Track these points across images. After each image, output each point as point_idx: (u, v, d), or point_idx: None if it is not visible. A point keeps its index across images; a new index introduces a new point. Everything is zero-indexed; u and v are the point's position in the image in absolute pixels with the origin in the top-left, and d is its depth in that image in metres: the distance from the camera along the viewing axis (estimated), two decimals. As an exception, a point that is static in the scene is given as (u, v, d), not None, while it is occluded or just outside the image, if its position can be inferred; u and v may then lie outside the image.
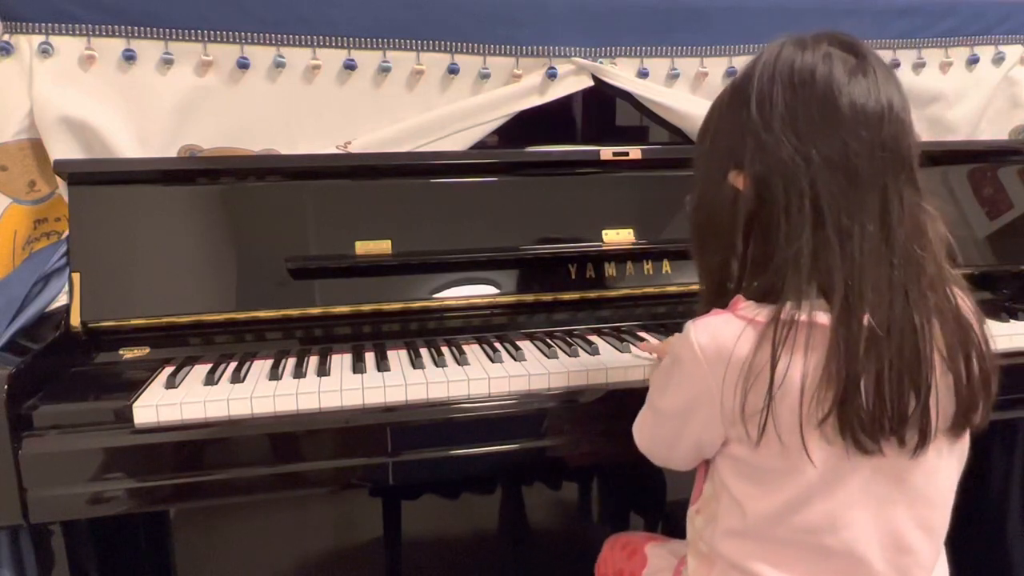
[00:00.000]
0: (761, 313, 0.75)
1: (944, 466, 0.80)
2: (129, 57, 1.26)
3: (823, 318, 0.73)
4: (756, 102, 0.76)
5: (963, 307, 0.78)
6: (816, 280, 0.73)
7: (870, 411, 0.72)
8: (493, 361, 1.14)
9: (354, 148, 1.38)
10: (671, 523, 1.64)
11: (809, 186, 0.73)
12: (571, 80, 1.44)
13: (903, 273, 0.73)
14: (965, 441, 0.81)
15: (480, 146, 1.43)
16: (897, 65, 1.59)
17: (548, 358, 1.15)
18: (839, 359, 0.71)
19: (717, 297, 0.84)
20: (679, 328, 0.85)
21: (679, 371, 0.81)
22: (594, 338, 1.23)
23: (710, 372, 0.77)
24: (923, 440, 0.74)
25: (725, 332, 0.76)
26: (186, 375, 1.09)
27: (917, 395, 0.73)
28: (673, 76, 1.49)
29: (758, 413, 0.74)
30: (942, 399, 0.75)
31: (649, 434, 0.91)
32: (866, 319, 0.71)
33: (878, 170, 0.73)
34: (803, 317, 0.72)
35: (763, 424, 0.74)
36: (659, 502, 1.65)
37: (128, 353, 1.19)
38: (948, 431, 0.78)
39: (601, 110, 1.56)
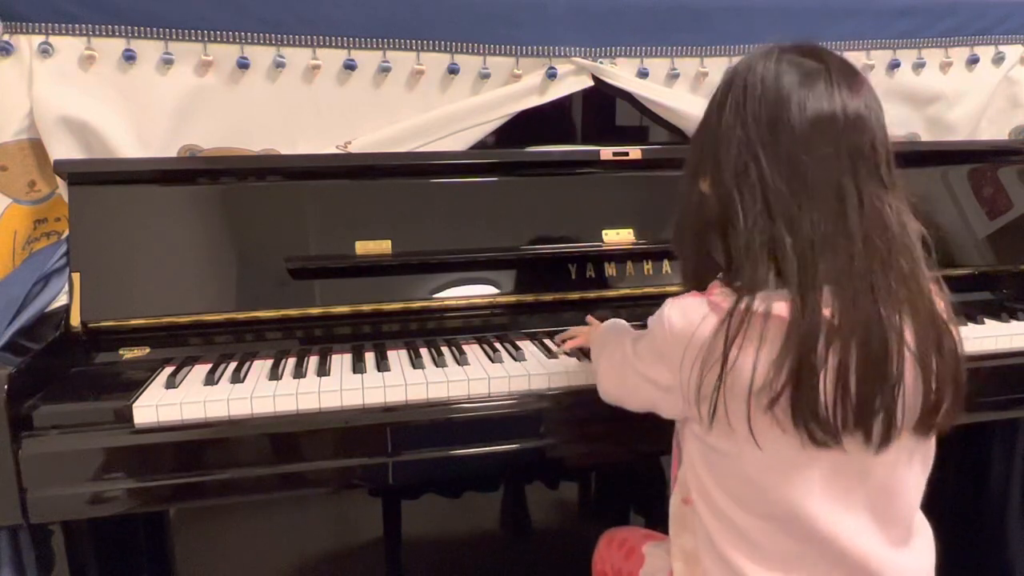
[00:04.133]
0: (727, 300, 0.77)
1: (908, 464, 0.81)
2: (129, 57, 1.26)
3: (782, 310, 0.74)
4: (716, 107, 0.82)
5: (939, 306, 0.78)
6: (775, 272, 0.75)
7: (830, 404, 0.73)
8: (493, 361, 1.14)
9: (354, 148, 1.38)
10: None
11: (758, 180, 0.76)
12: (571, 80, 1.44)
13: (865, 266, 0.74)
14: (931, 442, 0.82)
15: (480, 146, 1.43)
16: (897, 65, 1.59)
17: (548, 358, 1.16)
18: (794, 350, 0.73)
19: (696, 282, 0.87)
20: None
21: (652, 344, 0.86)
22: (594, 338, 1.23)
23: (674, 349, 0.81)
24: (887, 435, 0.76)
25: (692, 313, 0.80)
26: (186, 375, 1.09)
27: (883, 389, 0.74)
28: (673, 76, 1.49)
29: (710, 396, 0.77)
30: (910, 396, 0.76)
31: (618, 375, 0.95)
32: (827, 311, 0.73)
33: (831, 166, 0.75)
34: (760, 308, 0.74)
35: (713, 407, 0.77)
36: (658, 500, 1.65)
37: (128, 353, 1.19)
38: (914, 430, 0.79)
39: (601, 110, 1.56)
